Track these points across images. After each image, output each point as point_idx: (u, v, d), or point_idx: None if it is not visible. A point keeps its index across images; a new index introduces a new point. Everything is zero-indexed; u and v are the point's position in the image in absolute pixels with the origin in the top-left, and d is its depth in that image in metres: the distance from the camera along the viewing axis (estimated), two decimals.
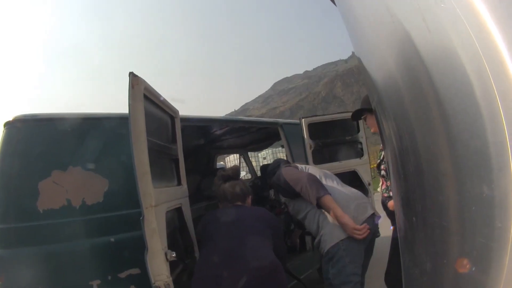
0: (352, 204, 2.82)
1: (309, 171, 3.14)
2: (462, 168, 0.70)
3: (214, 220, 2.57)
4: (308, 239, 4.63)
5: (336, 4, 1.35)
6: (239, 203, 2.74)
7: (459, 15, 0.64)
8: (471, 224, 0.69)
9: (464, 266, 0.68)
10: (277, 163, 3.59)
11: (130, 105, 1.88)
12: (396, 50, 0.86)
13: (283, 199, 3.34)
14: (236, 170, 2.80)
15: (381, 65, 0.99)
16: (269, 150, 15.35)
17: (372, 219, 2.83)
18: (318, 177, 2.97)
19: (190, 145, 5.47)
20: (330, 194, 2.75)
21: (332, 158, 4.50)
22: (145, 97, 2.03)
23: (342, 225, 2.64)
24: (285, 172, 3.08)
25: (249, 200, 2.84)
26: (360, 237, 2.60)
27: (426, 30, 0.72)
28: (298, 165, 3.36)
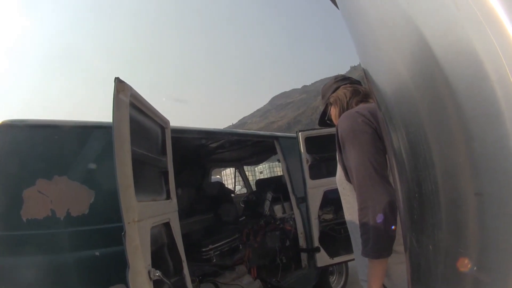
0: None
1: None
2: (485, 189, 0.62)
3: None
4: (303, 256, 4.53)
5: (339, 7, 1.25)
6: None
7: (481, 21, 0.58)
8: (489, 250, 0.62)
9: None
10: (342, 81, 2.16)
11: (114, 113, 1.80)
12: (410, 53, 0.79)
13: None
14: None
15: (392, 72, 0.91)
16: (266, 165, 15.39)
17: None
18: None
19: (184, 157, 5.40)
20: (387, 258, 1.66)
21: (329, 173, 4.40)
22: (132, 105, 1.95)
23: None
24: (359, 156, 1.71)
25: None
26: None
27: (444, 35, 0.66)
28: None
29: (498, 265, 0.61)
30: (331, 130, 4.27)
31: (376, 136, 1.70)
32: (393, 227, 1.60)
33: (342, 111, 2.04)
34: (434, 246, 0.76)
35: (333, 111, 2.14)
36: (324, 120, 2.27)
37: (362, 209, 1.67)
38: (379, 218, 1.60)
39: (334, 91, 2.13)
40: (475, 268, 0.64)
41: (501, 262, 0.60)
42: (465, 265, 0.65)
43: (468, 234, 0.68)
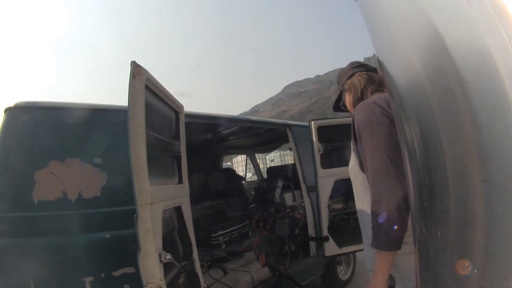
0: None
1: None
2: (491, 176, 0.64)
3: None
4: (312, 244, 4.53)
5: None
6: None
7: (491, 15, 0.61)
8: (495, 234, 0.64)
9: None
10: (358, 67, 2.11)
11: (130, 96, 1.80)
12: (423, 46, 0.80)
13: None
14: None
15: (405, 63, 0.91)
16: (277, 153, 15.38)
17: None
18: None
19: (196, 142, 5.39)
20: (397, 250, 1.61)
21: (340, 163, 4.37)
22: (147, 88, 1.94)
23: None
24: (375, 147, 1.67)
25: None
26: None
27: (455, 28, 0.69)
28: None
29: (505, 248, 0.61)
30: (344, 120, 4.25)
31: (393, 127, 1.61)
32: (405, 220, 1.55)
33: (356, 98, 2.02)
34: (442, 233, 0.79)
35: (348, 98, 2.09)
36: (339, 105, 2.21)
37: (375, 201, 1.63)
38: (392, 211, 1.55)
39: (349, 78, 2.08)
40: (482, 253, 0.66)
41: (508, 245, 0.60)
42: (472, 250, 0.67)
43: (475, 219, 0.68)
